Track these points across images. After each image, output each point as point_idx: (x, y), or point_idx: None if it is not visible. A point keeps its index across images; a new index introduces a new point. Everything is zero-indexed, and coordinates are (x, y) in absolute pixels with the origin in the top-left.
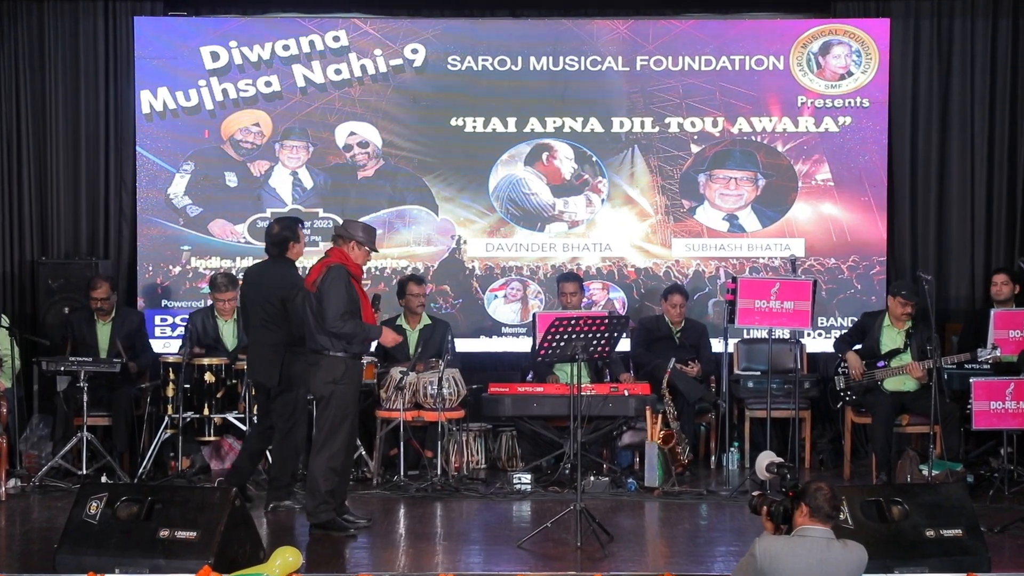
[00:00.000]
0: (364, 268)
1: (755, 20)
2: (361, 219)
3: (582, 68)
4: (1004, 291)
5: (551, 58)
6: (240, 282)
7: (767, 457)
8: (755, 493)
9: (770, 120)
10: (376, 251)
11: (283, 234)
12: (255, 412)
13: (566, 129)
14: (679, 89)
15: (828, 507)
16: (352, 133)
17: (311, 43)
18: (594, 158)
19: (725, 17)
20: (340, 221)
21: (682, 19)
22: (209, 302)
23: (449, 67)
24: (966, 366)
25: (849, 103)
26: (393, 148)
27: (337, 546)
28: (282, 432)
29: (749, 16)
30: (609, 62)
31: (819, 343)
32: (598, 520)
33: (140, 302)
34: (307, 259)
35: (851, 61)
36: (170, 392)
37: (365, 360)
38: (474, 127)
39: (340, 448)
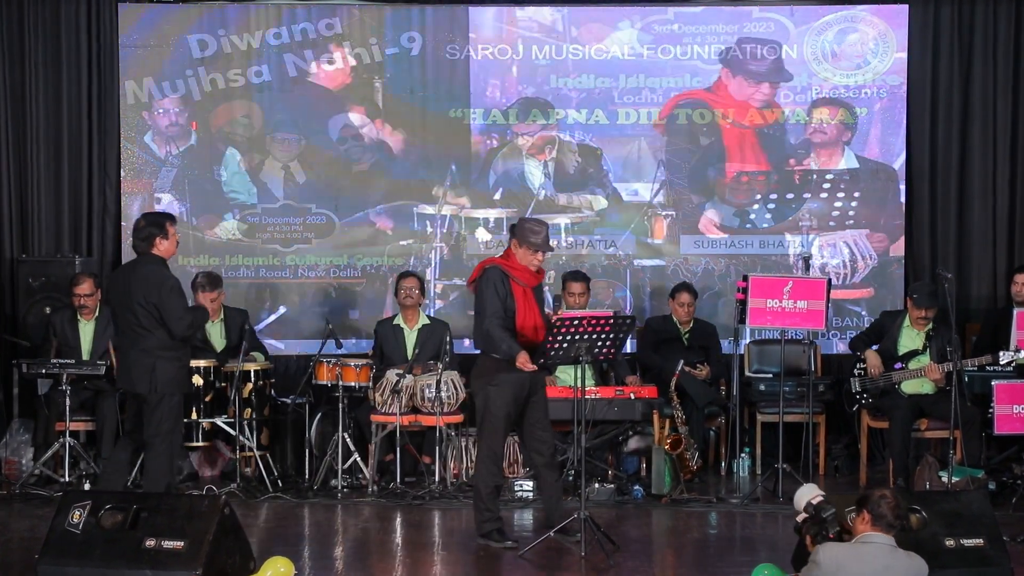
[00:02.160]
0: (535, 267)
1: (769, 7)
2: (357, 215)
3: (586, 56)
4: None
5: (554, 46)
6: (221, 280)
7: (809, 493)
8: (799, 517)
9: (783, 111)
10: (546, 250)
11: (148, 229)
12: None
13: (570, 120)
14: (688, 78)
15: (892, 516)
16: (346, 125)
17: (303, 31)
18: (600, 151)
19: (738, 4)
20: (334, 216)
21: (693, 6)
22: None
23: (447, 55)
24: (987, 368)
25: (866, 93)
26: (389, 140)
27: (330, 556)
28: (158, 443)
29: (763, 2)
30: (615, 50)
31: (834, 344)
32: (603, 529)
33: None
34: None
35: (868, 49)
36: None
37: (356, 363)
38: (474, 118)
39: (492, 454)
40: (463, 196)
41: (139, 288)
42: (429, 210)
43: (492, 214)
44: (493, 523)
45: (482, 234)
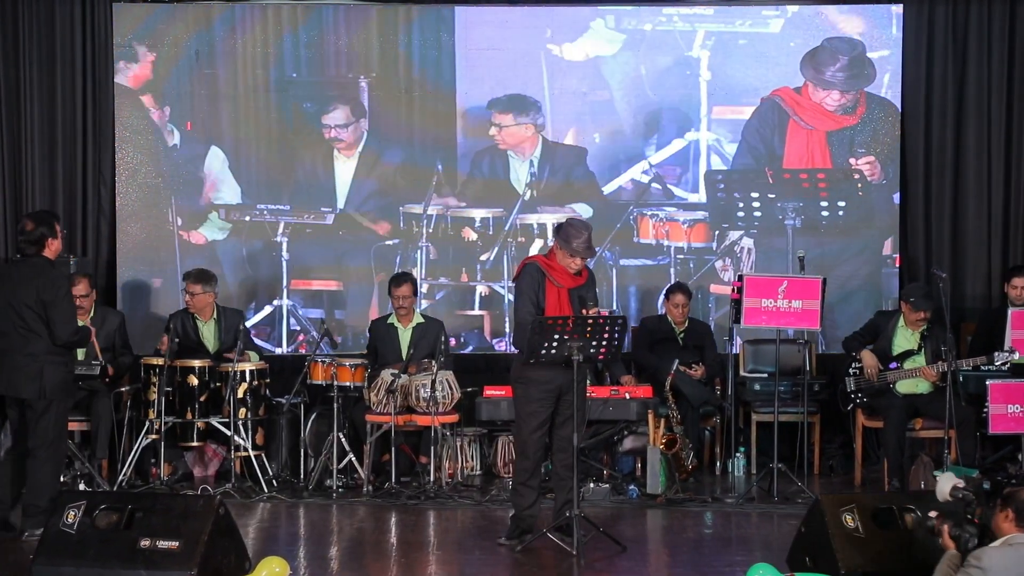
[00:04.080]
0: (573, 270)
1: (759, 7)
2: (342, 214)
3: (572, 56)
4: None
5: (540, 46)
6: (214, 279)
7: (949, 480)
8: (933, 514)
9: (774, 111)
10: (585, 256)
11: (39, 230)
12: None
13: (556, 120)
14: (674, 83)
15: None
16: (334, 123)
17: (299, 29)
18: (585, 151)
19: (730, 4)
20: (321, 216)
21: (677, 6)
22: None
23: (433, 54)
24: (982, 368)
25: (860, 93)
26: (382, 138)
27: (326, 556)
28: (43, 452)
29: (755, 3)
30: (599, 50)
31: (829, 343)
32: (603, 529)
33: (119, 303)
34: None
35: (862, 49)
36: (152, 396)
37: (351, 363)
38: (459, 118)
39: (521, 452)
40: (449, 195)
41: (30, 289)
42: (415, 209)
43: (478, 213)
44: (515, 522)
45: (468, 233)
